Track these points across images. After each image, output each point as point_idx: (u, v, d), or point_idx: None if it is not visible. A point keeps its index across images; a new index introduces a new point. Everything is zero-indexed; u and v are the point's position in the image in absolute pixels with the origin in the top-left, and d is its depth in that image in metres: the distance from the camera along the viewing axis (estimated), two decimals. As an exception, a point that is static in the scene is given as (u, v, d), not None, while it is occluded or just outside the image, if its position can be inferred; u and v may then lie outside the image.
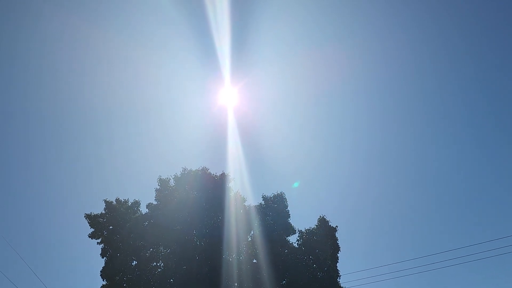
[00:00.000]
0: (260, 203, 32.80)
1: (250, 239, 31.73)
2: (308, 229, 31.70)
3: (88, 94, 61.84)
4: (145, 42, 62.81)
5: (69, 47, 62.42)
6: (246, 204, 32.44)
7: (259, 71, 62.37)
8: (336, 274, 29.96)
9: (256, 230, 31.67)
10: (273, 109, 68.41)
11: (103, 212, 31.60)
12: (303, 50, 64.53)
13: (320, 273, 29.25)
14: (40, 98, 63.18)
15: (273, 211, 32.15)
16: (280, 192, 33.05)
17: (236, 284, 28.90)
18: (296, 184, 32.08)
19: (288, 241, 31.35)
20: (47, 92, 62.16)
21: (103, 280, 29.85)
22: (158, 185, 32.71)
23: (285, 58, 64.96)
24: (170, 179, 32.87)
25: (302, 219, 43.58)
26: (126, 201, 32.44)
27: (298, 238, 31.27)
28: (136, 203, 32.66)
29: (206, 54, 55.47)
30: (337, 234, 31.68)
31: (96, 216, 31.31)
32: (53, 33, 60.94)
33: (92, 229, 31.18)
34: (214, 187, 32.24)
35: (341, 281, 30.66)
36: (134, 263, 30.31)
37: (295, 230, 31.69)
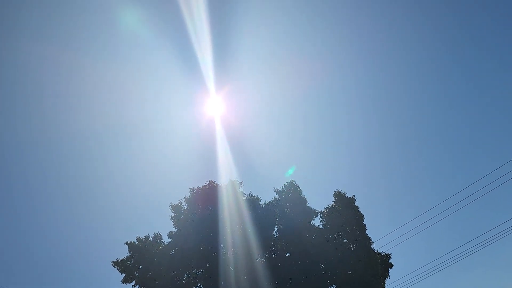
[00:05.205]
0: (275, 198, 32.84)
1: (276, 235, 31.82)
2: (328, 207, 31.76)
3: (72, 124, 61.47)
4: (127, 63, 62.72)
5: (53, 75, 62.20)
6: (261, 203, 32.51)
7: (242, 78, 63.07)
8: (368, 241, 30.01)
9: (279, 224, 31.78)
10: (260, 113, 69.15)
11: (128, 254, 31.70)
12: (285, 54, 66.59)
13: (352, 246, 29.35)
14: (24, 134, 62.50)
15: (290, 201, 32.17)
16: (290, 181, 33.10)
17: (277, 282, 29.00)
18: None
19: (313, 225, 31.43)
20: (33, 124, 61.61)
21: (149, 319, 30.00)
22: (172, 212, 32.82)
23: (267, 63, 66.22)
24: (181, 202, 33.00)
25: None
26: (147, 237, 32.55)
27: (321, 219, 31.36)
28: (158, 236, 32.79)
29: (189, 67, 55.82)
30: (356, 204, 31.72)
31: (123, 260, 31.42)
32: (35, 63, 60.43)
33: (123, 274, 31.28)
34: (225, 196, 32.33)
35: (376, 247, 30.84)
36: (173, 293, 30.41)
37: (317, 213, 31.75)
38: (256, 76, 65.55)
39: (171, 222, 32.74)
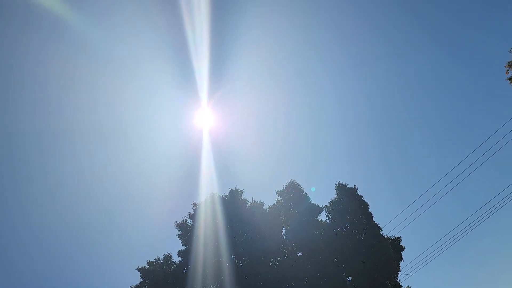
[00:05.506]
0: (278, 200, 32.82)
1: (284, 236, 31.79)
2: (331, 201, 31.77)
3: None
4: (125, 66, 62.33)
5: (48, 73, 60.90)
6: (265, 207, 32.48)
7: (236, 92, 63.26)
8: (377, 228, 30.09)
9: (286, 225, 31.76)
10: (249, 128, 69.66)
11: (141, 280, 31.49)
12: (281, 73, 66.20)
13: (361, 235, 29.39)
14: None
15: (293, 201, 32.18)
16: (291, 180, 33.09)
17: (293, 283, 28.93)
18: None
19: (320, 221, 31.43)
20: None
21: None
22: (178, 231, 32.64)
23: (263, 81, 66.19)
24: (186, 219, 32.87)
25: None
26: (157, 260, 32.35)
27: (326, 214, 31.36)
28: (168, 257, 32.65)
29: (185, 77, 55.98)
30: (359, 193, 31.77)
31: (137, 287, 31.18)
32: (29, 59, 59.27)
33: (140, 301, 31.07)
34: (229, 206, 32.26)
35: (384, 232, 30.92)
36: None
37: (321, 208, 31.74)
38: (250, 93, 66.25)
39: (166, 239, 32.67)
